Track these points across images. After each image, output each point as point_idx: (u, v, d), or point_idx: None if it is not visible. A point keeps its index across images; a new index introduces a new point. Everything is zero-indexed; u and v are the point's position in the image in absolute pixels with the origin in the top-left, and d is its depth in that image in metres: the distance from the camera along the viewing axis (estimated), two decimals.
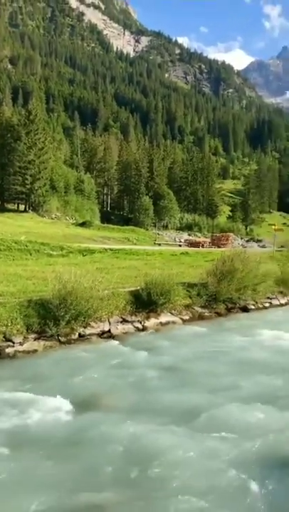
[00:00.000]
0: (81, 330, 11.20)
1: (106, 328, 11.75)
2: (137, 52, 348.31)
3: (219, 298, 15.65)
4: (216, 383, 8.01)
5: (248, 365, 9.17)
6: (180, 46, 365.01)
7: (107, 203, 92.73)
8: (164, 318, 13.41)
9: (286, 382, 7.86)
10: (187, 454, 5.28)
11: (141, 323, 12.65)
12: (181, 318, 13.91)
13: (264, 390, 7.46)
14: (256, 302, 17.23)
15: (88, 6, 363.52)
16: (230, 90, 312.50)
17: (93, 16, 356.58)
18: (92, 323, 11.60)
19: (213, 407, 6.61)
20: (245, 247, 50.36)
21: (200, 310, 14.94)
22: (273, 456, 5.13)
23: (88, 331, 11.36)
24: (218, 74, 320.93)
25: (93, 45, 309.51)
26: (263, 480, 4.67)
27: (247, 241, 74.31)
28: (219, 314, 15.31)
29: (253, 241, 75.82)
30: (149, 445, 5.54)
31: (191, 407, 6.80)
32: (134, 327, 12.42)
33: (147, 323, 12.76)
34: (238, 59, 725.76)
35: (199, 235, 72.31)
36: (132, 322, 12.52)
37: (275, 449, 5.31)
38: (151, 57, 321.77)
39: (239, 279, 16.23)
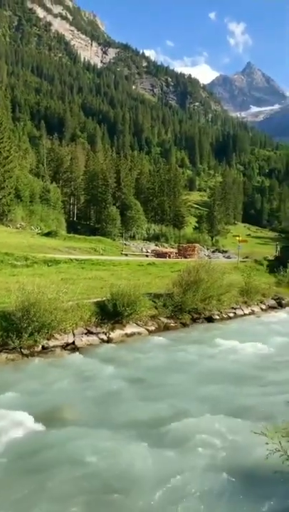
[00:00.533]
0: (44, 342, 10.97)
1: (70, 340, 11.56)
2: (104, 63, 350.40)
3: (185, 308, 15.74)
4: (180, 395, 8.00)
5: (211, 375, 9.22)
6: (147, 59, 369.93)
7: (73, 212, 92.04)
8: (129, 329, 13.33)
9: (248, 392, 7.93)
10: (149, 469, 5.23)
11: (106, 334, 12.53)
12: (147, 329, 13.88)
13: (227, 400, 7.50)
14: (221, 312, 17.44)
15: (56, 16, 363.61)
16: (197, 104, 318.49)
17: (60, 27, 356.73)
18: (56, 335, 11.39)
19: (177, 419, 6.58)
20: (211, 257, 51.02)
21: (166, 321, 14.97)
22: (235, 468, 5.13)
23: (52, 343, 11.14)
24: (184, 87, 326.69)
25: (60, 55, 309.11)
26: (225, 493, 4.66)
27: (213, 252, 75.28)
28: (185, 325, 15.38)
29: (219, 252, 76.89)
30: (112, 459, 5.44)
31: (155, 420, 6.74)
32: (99, 339, 12.28)
33: (113, 335, 12.64)
34: (204, 73, 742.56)
35: (166, 245, 72.74)
36: (97, 334, 12.38)
37: (236, 460, 5.32)
38: (118, 69, 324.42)
39: (204, 289, 16.40)
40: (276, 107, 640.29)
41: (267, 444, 3.99)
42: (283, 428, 4.02)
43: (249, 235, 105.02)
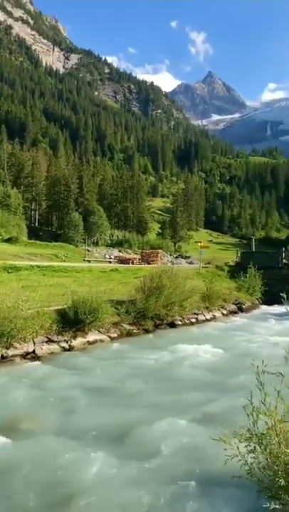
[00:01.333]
0: (3, 351, 10.69)
1: (30, 349, 11.31)
2: (66, 69, 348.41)
3: (147, 314, 15.77)
4: (141, 402, 7.98)
5: (172, 381, 9.26)
6: (110, 65, 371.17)
7: (35, 218, 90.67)
8: (91, 336, 13.21)
9: (208, 397, 8.00)
10: (108, 477, 5.17)
11: (67, 342, 12.35)
12: (109, 336, 13.80)
13: (187, 407, 7.54)
14: (183, 318, 17.58)
15: (16, 20, 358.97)
16: (159, 111, 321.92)
17: (22, 31, 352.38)
18: (16, 344, 11.13)
19: (137, 426, 6.55)
20: (174, 263, 51.42)
21: (128, 327, 14.95)
22: (194, 475, 5.15)
23: (11, 352, 10.87)
24: (146, 94, 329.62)
25: (21, 59, 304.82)
26: (183, 500, 4.67)
27: (176, 257, 75.97)
28: (147, 331, 15.40)
29: (182, 257, 77.68)
30: (72, 468, 5.35)
31: (115, 428, 6.68)
32: (61, 347, 12.09)
33: (74, 343, 12.48)
34: (166, 81, 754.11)
35: (129, 251, 72.82)
36: (58, 342, 12.18)
37: (196, 467, 5.35)
38: (81, 75, 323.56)
39: (167, 295, 16.51)
40: (236, 115, 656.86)
41: (225, 450, 4.02)
42: (240, 433, 4.07)
43: (211, 240, 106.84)
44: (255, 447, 4.07)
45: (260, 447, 4.05)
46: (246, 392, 4.25)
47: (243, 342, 13.85)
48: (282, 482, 3.75)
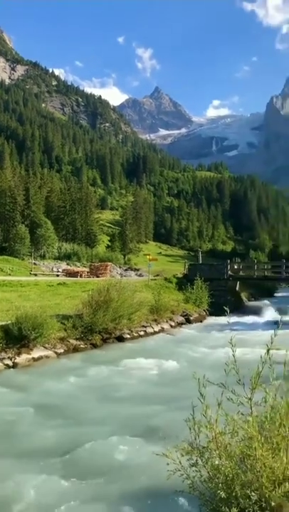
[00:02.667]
0: None
1: None
2: (12, 80, 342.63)
3: (95, 329, 15.60)
4: (87, 419, 7.85)
5: (119, 396, 9.18)
6: (57, 78, 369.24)
7: None
8: (36, 353, 12.86)
9: (153, 411, 8.00)
10: (50, 498, 5.01)
11: (11, 359, 11.96)
12: (55, 352, 13.50)
13: (133, 421, 7.49)
14: (131, 331, 17.54)
15: None
16: (107, 124, 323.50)
17: None
18: None
19: (82, 444, 6.42)
20: (124, 275, 51.41)
21: (75, 342, 14.70)
22: (137, 491, 5.11)
23: None
24: (94, 108, 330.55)
25: None
26: None
27: (125, 270, 75.92)
28: (95, 346, 15.22)
29: (131, 270, 77.76)
30: (14, 492, 5.13)
31: (59, 447, 6.52)
32: (4, 364, 11.68)
33: (18, 359, 12.10)
34: (113, 95, 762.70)
35: (78, 264, 71.92)
36: (1, 359, 11.77)
37: (139, 483, 5.30)
38: (27, 87, 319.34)
39: (114, 308, 16.41)
40: (183, 130, 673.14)
41: (168, 464, 4.00)
42: (182, 447, 4.07)
43: (160, 253, 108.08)
44: (196, 460, 4.09)
45: (202, 460, 4.07)
46: (190, 404, 4.27)
47: (190, 353, 14.01)
48: (223, 494, 3.77)
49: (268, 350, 3.91)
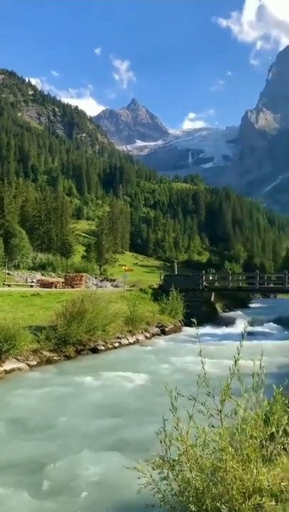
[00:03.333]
0: None
1: None
2: None
3: (69, 340, 15.44)
4: (59, 433, 7.72)
5: (92, 409, 9.08)
6: (33, 87, 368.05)
7: None
8: (8, 365, 12.63)
9: (126, 424, 7.94)
10: None
11: None
12: (28, 364, 13.29)
13: (106, 435, 7.42)
14: (106, 342, 17.43)
15: None
16: (84, 135, 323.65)
17: None
18: None
19: (55, 459, 6.33)
20: (99, 286, 51.17)
21: (48, 354, 14.51)
22: (109, 506, 5.05)
23: None
24: (71, 118, 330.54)
25: None
26: None
27: (101, 280, 75.52)
28: (68, 357, 15.05)
29: (107, 280, 77.41)
30: None
31: (32, 462, 6.39)
32: None
33: None
34: (90, 106, 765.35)
35: (53, 274, 71.11)
36: None
37: (111, 498, 5.24)
38: (3, 96, 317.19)
39: (89, 320, 16.30)
40: (159, 142, 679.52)
41: (139, 478, 3.97)
42: (153, 461, 4.05)
43: (136, 263, 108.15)
44: (168, 474, 4.07)
45: (173, 474, 4.05)
46: (163, 417, 4.26)
47: (163, 365, 14.00)
48: (193, 508, 3.77)
49: (235, 362, 3.95)
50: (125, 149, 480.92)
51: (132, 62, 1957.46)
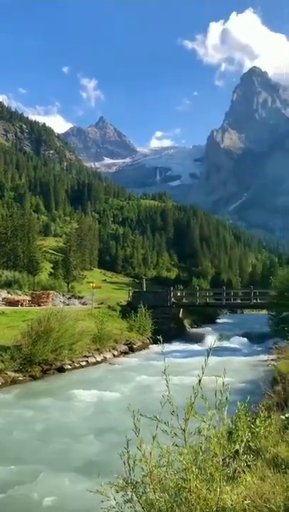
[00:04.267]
0: None
1: None
2: None
3: (34, 360, 15.14)
4: (21, 456, 7.49)
5: (56, 431, 8.87)
6: (0, 104, 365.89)
7: None
8: None
9: (90, 446, 7.80)
10: None
11: None
12: None
13: (69, 458, 7.26)
14: (73, 361, 17.18)
15: None
16: (52, 152, 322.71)
17: None
18: None
19: (14, 485, 6.10)
20: (67, 304, 50.45)
21: (13, 374, 14.15)
22: None
23: None
24: (39, 135, 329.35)
25: None
26: None
27: (69, 298, 74.41)
28: (34, 377, 14.72)
29: (75, 298, 76.32)
30: None
31: None
32: None
33: None
34: (57, 123, 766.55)
35: (19, 292, 69.70)
36: None
37: None
38: None
39: (55, 339, 16.05)
40: (128, 160, 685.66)
41: (102, 501, 3.88)
42: (116, 483, 3.98)
43: (105, 280, 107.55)
44: (131, 496, 4.00)
45: (136, 495, 3.99)
46: (126, 437, 4.20)
47: (130, 384, 13.88)
48: None
49: (199, 381, 3.95)
50: (93, 166, 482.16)
51: (100, 81, 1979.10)
